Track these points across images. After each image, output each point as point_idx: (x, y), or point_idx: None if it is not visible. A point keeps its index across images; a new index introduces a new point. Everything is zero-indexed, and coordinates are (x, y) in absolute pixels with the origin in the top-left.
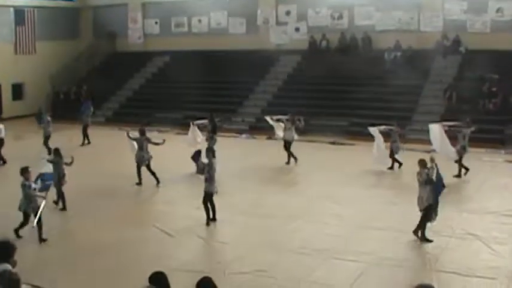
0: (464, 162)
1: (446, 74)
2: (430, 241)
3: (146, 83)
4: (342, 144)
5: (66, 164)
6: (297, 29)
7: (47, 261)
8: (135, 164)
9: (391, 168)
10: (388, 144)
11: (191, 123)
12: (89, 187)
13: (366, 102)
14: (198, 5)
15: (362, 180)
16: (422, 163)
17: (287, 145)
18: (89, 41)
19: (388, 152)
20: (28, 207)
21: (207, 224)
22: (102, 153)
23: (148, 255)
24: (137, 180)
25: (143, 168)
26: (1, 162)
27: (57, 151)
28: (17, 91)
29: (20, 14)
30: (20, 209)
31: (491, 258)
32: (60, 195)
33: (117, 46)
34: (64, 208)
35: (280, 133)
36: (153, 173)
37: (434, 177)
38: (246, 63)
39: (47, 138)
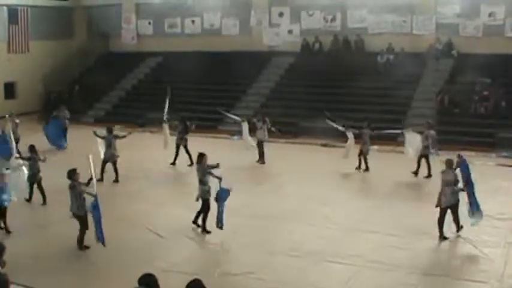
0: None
1: (439, 77)
2: (446, 238)
3: (139, 83)
4: (334, 146)
5: (40, 160)
6: (290, 31)
7: (35, 261)
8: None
9: (358, 168)
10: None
11: (163, 123)
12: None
13: (358, 105)
14: (192, 6)
15: (353, 183)
16: (449, 163)
17: (260, 144)
18: (82, 40)
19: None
20: (78, 209)
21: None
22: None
23: (138, 256)
24: (99, 177)
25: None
26: None
27: (32, 148)
28: (10, 90)
29: (13, 12)
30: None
31: (482, 261)
32: (40, 191)
33: (111, 46)
34: (44, 202)
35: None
36: (117, 171)
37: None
38: (239, 65)
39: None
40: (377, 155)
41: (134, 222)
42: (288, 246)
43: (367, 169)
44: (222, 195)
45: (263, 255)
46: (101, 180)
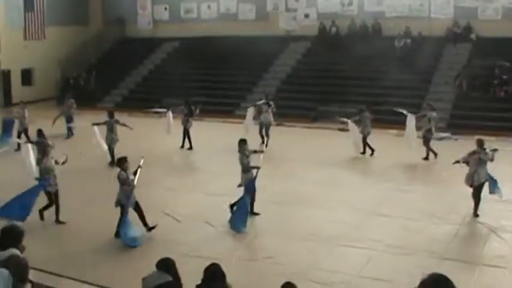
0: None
1: (457, 61)
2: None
3: (155, 69)
4: (349, 131)
5: (48, 145)
6: (307, 15)
7: (53, 246)
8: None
9: (363, 153)
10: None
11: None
12: (89, 171)
13: (375, 89)
14: None
15: (370, 167)
16: (480, 143)
17: (264, 128)
18: (98, 26)
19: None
20: (126, 200)
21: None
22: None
23: (156, 241)
24: (110, 160)
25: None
26: None
27: (40, 132)
28: (26, 77)
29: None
30: (117, 203)
31: (500, 246)
32: None
33: (127, 32)
34: None
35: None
36: (113, 156)
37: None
38: (255, 49)
39: (24, 131)
40: (395, 139)
41: (151, 207)
42: (305, 231)
43: (372, 153)
44: (250, 186)
45: (281, 240)
46: (112, 164)
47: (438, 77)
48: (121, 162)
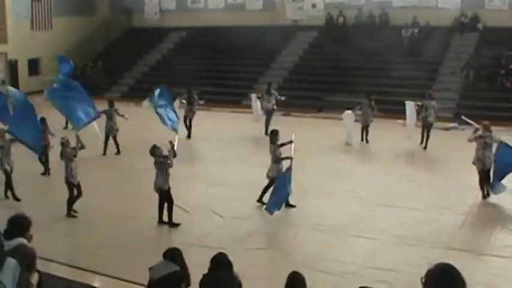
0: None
1: (464, 51)
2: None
3: (162, 59)
4: (357, 121)
5: (51, 133)
6: (314, 5)
7: (60, 235)
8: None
9: (366, 141)
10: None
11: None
12: (101, 162)
13: (382, 79)
14: None
15: (377, 157)
16: (486, 126)
17: (266, 116)
18: (105, 16)
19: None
20: (164, 184)
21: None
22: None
23: (163, 230)
24: (102, 152)
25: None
26: None
27: (42, 120)
28: (33, 67)
29: None
30: (158, 189)
31: (507, 237)
32: (45, 161)
33: (134, 22)
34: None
35: (258, 112)
36: (117, 144)
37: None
38: (262, 39)
39: None
40: (401, 130)
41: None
42: (312, 221)
43: (367, 141)
44: (286, 178)
45: (288, 230)
46: (104, 154)
47: (445, 67)
48: (153, 150)
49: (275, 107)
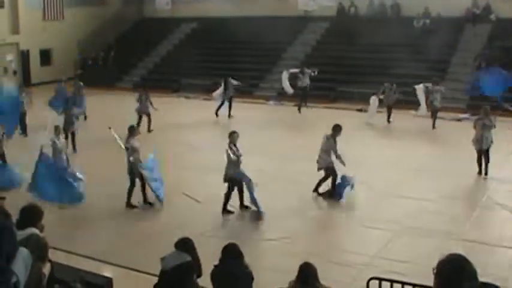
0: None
1: (476, 42)
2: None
3: (174, 49)
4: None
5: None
6: None
7: (73, 225)
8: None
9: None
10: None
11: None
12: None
13: (394, 70)
14: None
15: (387, 148)
16: (485, 110)
17: (303, 92)
18: (116, 7)
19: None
20: (239, 174)
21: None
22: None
23: (176, 221)
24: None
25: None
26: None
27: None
28: (45, 57)
29: None
30: (228, 179)
31: None
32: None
33: (145, 12)
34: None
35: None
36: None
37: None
38: (274, 30)
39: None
40: (413, 120)
41: (171, 186)
42: (324, 212)
43: (389, 121)
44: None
45: (299, 221)
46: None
47: (457, 58)
48: (230, 136)
49: (309, 84)
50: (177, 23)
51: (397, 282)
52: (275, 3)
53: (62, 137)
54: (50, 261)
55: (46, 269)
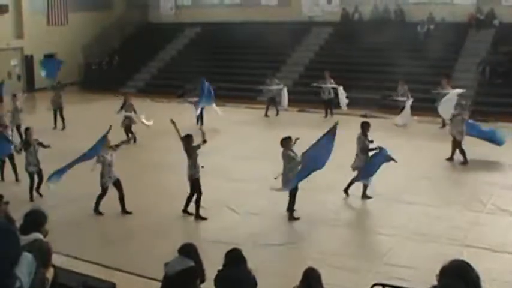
0: None
1: (480, 47)
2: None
3: (178, 55)
4: (373, 117)
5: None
6: (329, 1)
7: (76, 229)
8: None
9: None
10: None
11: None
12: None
13: (398, 75)
14: None
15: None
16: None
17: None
18: (121, 11)
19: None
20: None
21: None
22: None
23: (179, 226)
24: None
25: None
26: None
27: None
28: None
29: None
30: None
31: None
32: None
33: (149, 17)
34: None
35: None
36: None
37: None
38: (278, 35)
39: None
40: (416, 126)
41: (175, 192)
42: (328, 217)
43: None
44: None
45: (304, 226)
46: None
47: (461, 64)
48: (285, 141)
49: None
50: (181, 28)
51: None
52: (279, 8)
53: None
54: (53, 266)
55: (49, 274)
